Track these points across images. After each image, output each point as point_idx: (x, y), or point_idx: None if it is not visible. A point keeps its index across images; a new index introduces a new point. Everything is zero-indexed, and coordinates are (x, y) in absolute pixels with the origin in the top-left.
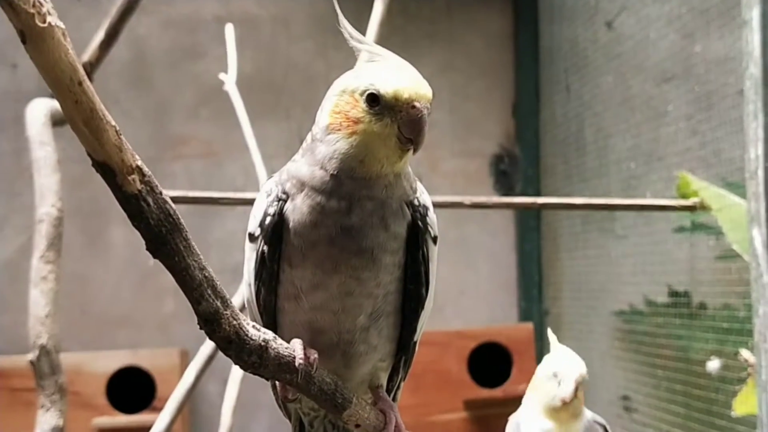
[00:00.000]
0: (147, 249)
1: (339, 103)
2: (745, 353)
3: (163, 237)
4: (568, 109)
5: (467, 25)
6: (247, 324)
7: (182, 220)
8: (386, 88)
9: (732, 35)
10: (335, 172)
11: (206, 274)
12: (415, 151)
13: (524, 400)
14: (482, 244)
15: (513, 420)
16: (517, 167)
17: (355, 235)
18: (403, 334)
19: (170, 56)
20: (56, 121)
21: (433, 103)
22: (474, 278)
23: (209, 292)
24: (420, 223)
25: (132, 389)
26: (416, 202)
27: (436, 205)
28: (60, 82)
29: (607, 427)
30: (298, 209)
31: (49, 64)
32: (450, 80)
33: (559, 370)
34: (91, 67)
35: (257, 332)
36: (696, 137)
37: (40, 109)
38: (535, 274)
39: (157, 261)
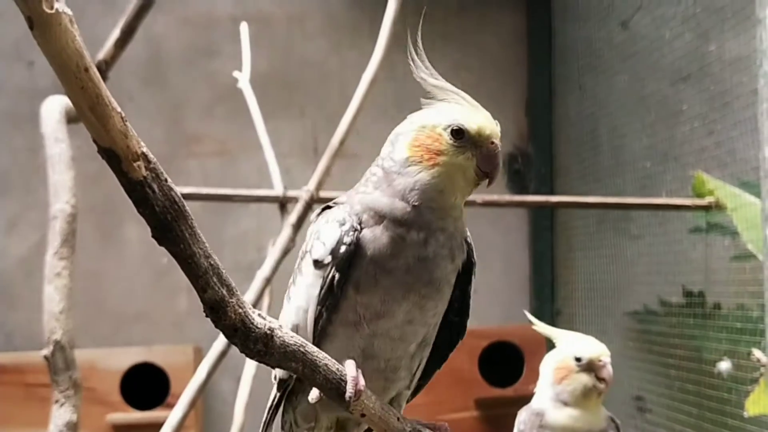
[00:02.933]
0: (152, 236)
1: (419, 137)
2: (757, 353)
3: (168, 224)
4: (582, 108)
5: (480, 24)
6: (253, 312)
7: (187, 208)
8: (471, 124)
9: (746, 34)
10: (417, 203)
11: (212, 262)
12: (489, 183)
13: (540, 392)
14: (495, 244)
15: (529, 411)
16: (530, 166)
17: (429, 265)
18: (429, 363)
19: (185, 54)
20: (71, 118)
21: None
22: (486, 277)
23: (215, 279)
24: (472, 258)
25: (146, 386)
26: (468, 239)
27: None
28: (66, 68)
29: (619, 425)
30: (377, 239)
31: (55, 50)
32: (463, 79)
33: (582, 354)
34: (106, 65)
35: (263, 320)
36: (711, 137)
37: (55, 106)
38: (548, 273)
39: (171, 258)
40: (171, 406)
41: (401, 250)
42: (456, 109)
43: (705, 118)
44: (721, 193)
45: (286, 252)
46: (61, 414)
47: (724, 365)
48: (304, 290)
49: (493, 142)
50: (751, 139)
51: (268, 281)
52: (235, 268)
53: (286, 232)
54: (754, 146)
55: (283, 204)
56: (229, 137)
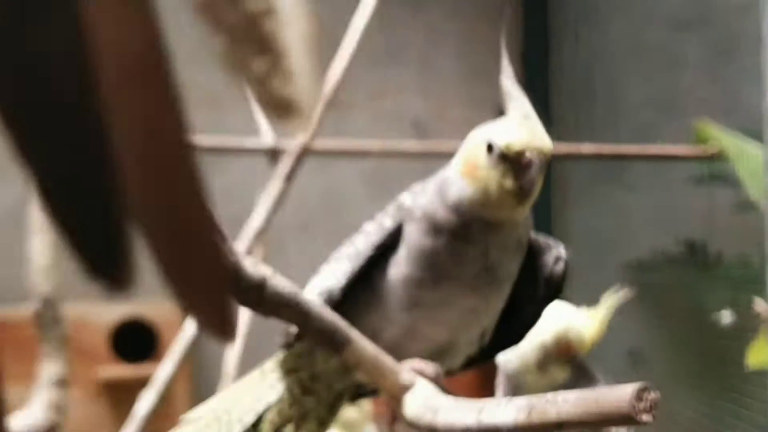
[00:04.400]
0: None
1: (469, 152)
2: (758, 305)
3: None
4: (578, 57)
5: None
6: (245, 261)
7: None
8: (500, 139)
9: None
10: (465, 218)
11: None
12: (525, 198)
13: None
14: None
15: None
16: None
17: (492, 272)
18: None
19: (172, 0)
20: None
21: (441, 52)
22: None
23: None
24: (562, 283)
25: (135, 340)
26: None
27: (441, 154)
28: None
29: (598, 377)
30: (440, 250)
31: None
32: (458, 27)
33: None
34: None
35: (255, 269)
36: (714, 85)
37: None
38: (543, 226)
39: None
40: (160, 360)
41: (463, 262)
42: (501, 123)
43: (707, 66)
44: (724, 142)
45: (277, 203)
46: (49, 369)
47: (726, 316)
48: (347, 254)
49: (523, 156)
50: (755, 87)
51: (259, 232)
52: (226, 220)
53: (277, 183)
54: (758, 94)
55: (274, 154)
56: (218, 87)
